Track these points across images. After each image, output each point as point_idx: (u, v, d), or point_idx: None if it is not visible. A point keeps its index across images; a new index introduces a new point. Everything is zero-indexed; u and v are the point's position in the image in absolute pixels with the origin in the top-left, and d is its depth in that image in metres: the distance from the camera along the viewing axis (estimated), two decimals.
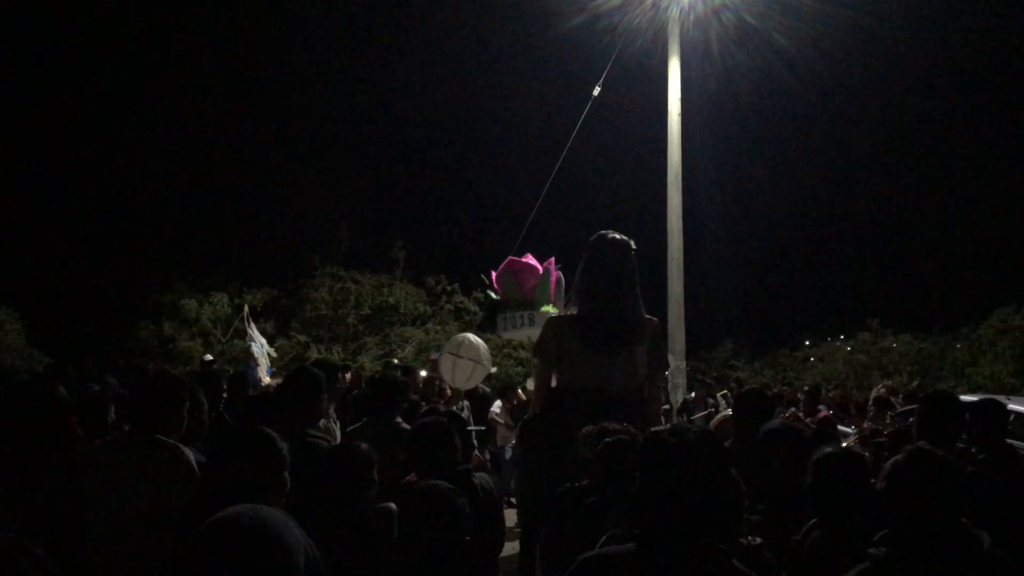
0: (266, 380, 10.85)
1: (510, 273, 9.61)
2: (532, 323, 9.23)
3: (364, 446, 3.26)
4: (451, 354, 10.45)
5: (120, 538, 3.09)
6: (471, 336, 11.16)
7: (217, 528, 1.42)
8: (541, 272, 9.48)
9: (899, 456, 2.28)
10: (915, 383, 20.58)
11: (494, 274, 9.94)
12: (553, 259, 9.74)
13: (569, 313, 6.47)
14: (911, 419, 4.32)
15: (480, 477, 3.58)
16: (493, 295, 10.16)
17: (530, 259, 9.68)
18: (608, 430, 4.24)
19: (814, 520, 2.83)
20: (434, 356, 11.35)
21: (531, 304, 9.41)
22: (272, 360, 12.72)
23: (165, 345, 22.48)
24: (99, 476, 3.24)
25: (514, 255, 9.94)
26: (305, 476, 3.19)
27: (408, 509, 2.78)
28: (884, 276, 37.32)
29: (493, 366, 11.88)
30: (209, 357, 15.67)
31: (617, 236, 6.36)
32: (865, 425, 8.05)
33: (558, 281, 9.56)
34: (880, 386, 18.09)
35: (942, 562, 2.11)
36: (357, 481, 3.12)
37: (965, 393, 14.18)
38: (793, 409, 10.00)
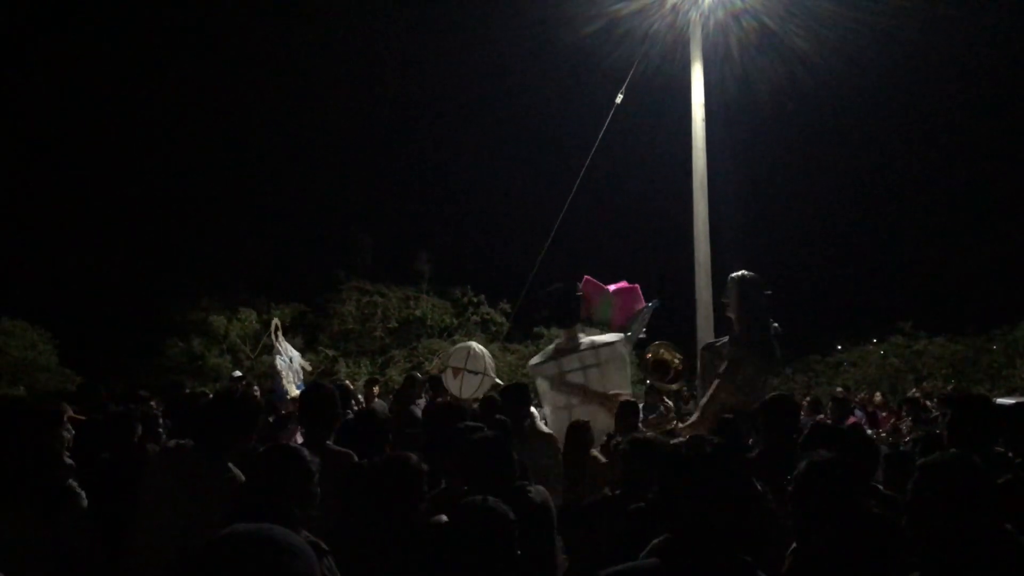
0: (293, 393, 10.78)
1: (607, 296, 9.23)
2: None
3: (414, 458, 3.20)
4: (456, 367, 10.32)
5: (161, 547, 3.09)
6: (475, 346, 10.91)
7: (221, 544, 1.39)
8: (616, 292, 9.19)
9: (919, 469, 2.21)
10: (950, 386, 20.16)
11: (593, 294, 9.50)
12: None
13: (723, 342, 7.75)
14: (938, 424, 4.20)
15: (536, 491, 3.53)
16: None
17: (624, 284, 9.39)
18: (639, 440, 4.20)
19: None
20: (442, 367, 11.14)
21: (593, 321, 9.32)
22: (306, 373, 12.59)
23: (194, 362, 22.72)
24: (156, 482, 3.26)
25: (540, 263, 9.73)
26: (352, 488, 3.17)
27: (458, 525, 2.74)
28: (916, 278, 36.71)
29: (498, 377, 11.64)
30: (238, 373, 15.78)
31: (750, 274, 7.65)
32: (882, 433, 8.00)
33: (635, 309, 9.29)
34: (916, 389, 17.83)
35: (983, 567, 2.05)
36: (407, 493, 3.09)
37: (1001, 396, 13.90)
38: (820, 416, 9.84)
